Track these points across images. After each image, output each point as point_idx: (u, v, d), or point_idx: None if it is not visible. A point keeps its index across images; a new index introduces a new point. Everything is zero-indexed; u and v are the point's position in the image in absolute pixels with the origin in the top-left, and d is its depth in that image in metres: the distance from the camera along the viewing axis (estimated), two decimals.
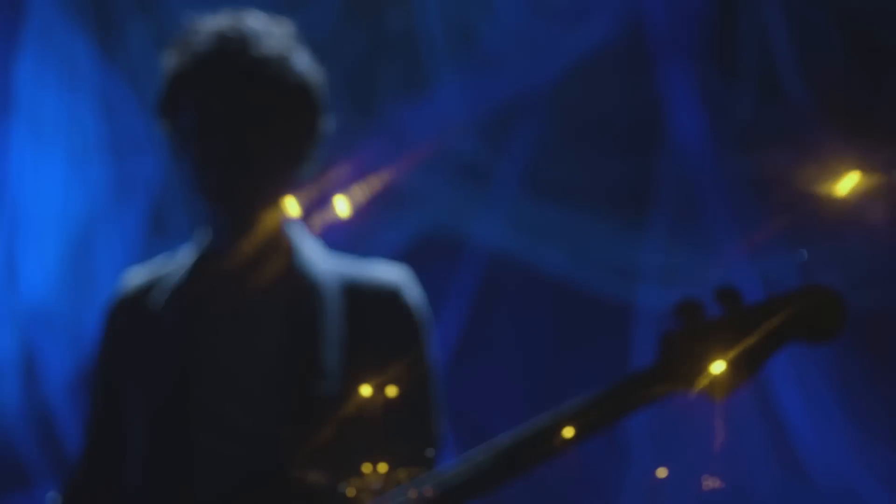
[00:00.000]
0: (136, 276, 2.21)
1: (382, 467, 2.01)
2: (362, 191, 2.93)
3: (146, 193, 3.54)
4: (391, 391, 2.08)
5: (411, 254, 3.32)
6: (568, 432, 2.00)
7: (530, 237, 3.54)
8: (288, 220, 2.15)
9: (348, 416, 2.05)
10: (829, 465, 3.40)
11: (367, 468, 2.00)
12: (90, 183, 3.55)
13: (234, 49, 2.08)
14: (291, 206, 2.16)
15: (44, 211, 3.54)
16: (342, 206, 2.24)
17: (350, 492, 1.98)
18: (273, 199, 2.12)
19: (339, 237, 2.30)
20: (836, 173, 3.21)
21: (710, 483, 3.47)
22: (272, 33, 2.12)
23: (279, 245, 2.13)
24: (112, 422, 2.14)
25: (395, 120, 3.52)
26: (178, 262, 2.19)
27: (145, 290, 2.17)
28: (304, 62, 2.14)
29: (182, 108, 2.10)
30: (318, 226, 2.37)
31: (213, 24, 2.12)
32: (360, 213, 3.46)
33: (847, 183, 2.56)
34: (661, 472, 3.46)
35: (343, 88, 2.28)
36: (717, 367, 1.98)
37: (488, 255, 3.56)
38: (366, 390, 2.06)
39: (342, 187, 3.44)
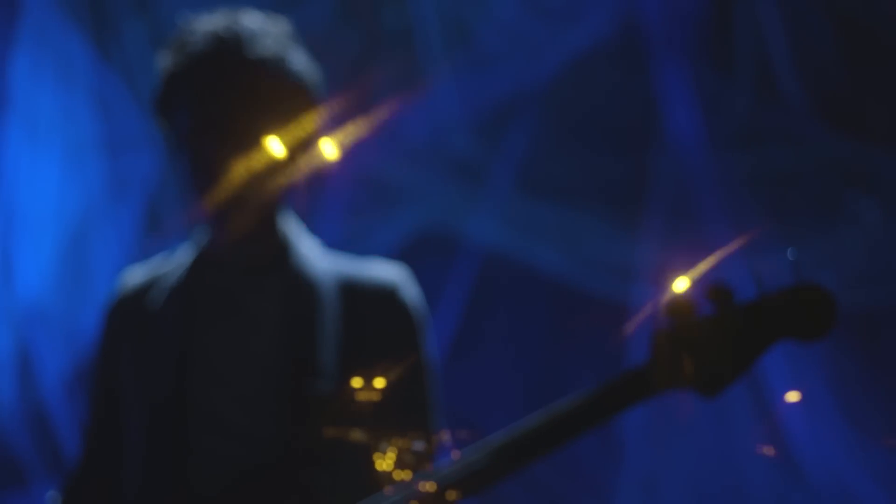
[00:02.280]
0: (134, 276, 2.22)
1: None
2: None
3: (142, 191, 3.54)
4: (388, 390, 2.08)
5: (406, 252, 3.32)
6: (560, 430, 2.00)
7: (525, 235, 3.54)
8: (285, 219, 2.15)
9: (345, 415, 2.05)
10: (825, 464, 3.39)
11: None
12: (86, 180, 3.55)
13: (229, 49, 2.08)
14: (288, 202, 2.17)
15: (39, 208, 3.54)
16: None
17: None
18: (270, 197, 2.12)
19: (334, 235, 2.31)
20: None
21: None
22: (268, 32, 2.12)
23: (276, 243, 2.13)
24: (111, 421, 2.15)
25: (390, 118, 3.51)
26: (176, 261, 2.19)
27: (144, 290, 2.17)
28: (300, 61, 2.14)
29: (178, 109, 2.10)
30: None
31: (208, 23, 2.12)
32: (355, 211, 3.47)
33: None
34: None
35: (339, 86, 2.28)
36: (709, 365, 1.98)
37: (483, 253, 3.56)
38: (363, 389, 2.06)
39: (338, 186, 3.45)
